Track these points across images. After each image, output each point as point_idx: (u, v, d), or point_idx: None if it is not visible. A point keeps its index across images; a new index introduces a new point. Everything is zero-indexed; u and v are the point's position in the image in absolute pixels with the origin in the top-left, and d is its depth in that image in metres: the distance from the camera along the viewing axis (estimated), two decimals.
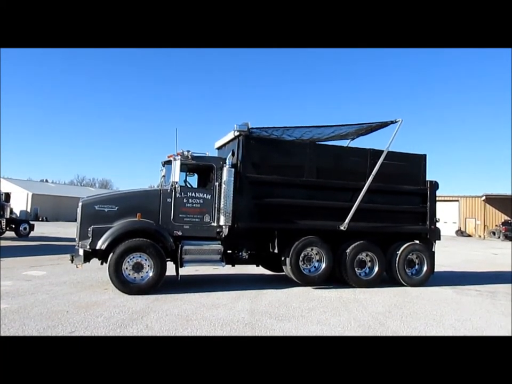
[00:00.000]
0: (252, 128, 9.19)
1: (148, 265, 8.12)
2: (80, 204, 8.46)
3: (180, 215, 8.63)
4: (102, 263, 8.60)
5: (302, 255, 9.33)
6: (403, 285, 9.93)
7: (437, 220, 10.71)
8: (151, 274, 8.09)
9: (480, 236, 44.06)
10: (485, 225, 44.31)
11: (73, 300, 7.43)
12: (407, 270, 10.08)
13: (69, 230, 23.99)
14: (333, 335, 5.46)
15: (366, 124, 10.47)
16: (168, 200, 8.57)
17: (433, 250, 10.49)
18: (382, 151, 10.41)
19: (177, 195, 8.61)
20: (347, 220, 9.51)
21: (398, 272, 9.93)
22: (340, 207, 9.65)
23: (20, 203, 45.60)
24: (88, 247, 8.01)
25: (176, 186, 8.56)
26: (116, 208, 8.38)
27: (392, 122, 10.24)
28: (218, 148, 10.88)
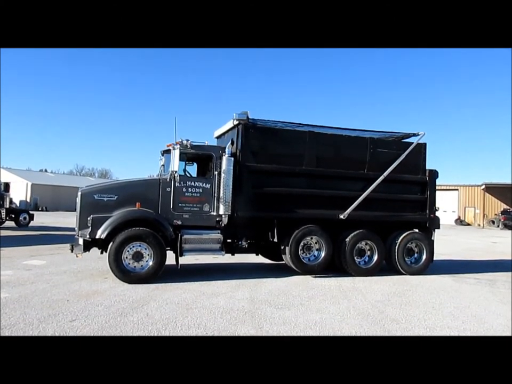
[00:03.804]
0: (269, 120, 9.18)
1: (148, 254, 8.13)
2: (79, 193, 8.45)
3: (179, 204, 8.62)
4: (101, 252, 8.61)
5: (302, 244, 9.34)
6: (402, 274, 9.97)
7: (437, 208, 10.72)
8: (151, 263, 8.11)
9: (479, 225, 44.18)
10: (484, 214, 44.39)
11: (74, 288, 7.45)
12: (406, 259, 10.11)
13: (69, 219, 23.98)
14: (332, 335, 5.44)
15: (388, 132, 10.61)
16: (168, 189, 8.55)
17: (432, 239, 10.51)
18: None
19: (177, 184, 8.59)
20: (349, 210, 9.51)
21: (397, 260, 9.96)
22: (340, 196, 9.64)
23: (19, 193, 45.54)
24: (87, 236, 8.01)
25: (176, 175, 8.53)
26: (115, 197, 8.37)
27: (414, 134, 10.54)
28: (218, 137, 10.83)
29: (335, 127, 10.01)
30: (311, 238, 9.47)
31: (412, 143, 10.46)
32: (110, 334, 5.05)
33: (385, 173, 9.82)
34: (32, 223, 23.24)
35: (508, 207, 41.38)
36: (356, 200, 9.59)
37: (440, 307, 7.03)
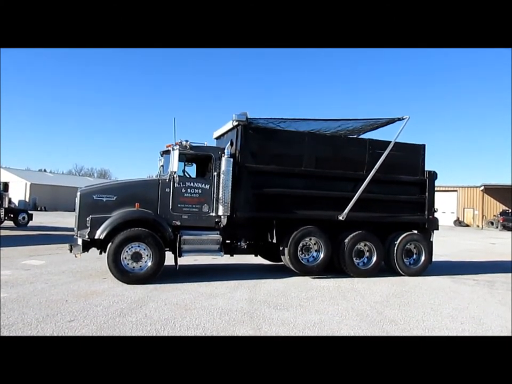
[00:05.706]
0: (250, 118, 9.14)
1: (147, 255, 8.13)
2: (78, 193, 8.44)
3: (179, 205, 8.61)
4: (100, 253, 8.60)
5: (301, 245, 9.34)
6: (401, 275, 9.98)
7: (435, 209, 10.73)
8: (149, 264, 8.11)
9: (478, 226, 44.22)
10: (483, 215, 44.44)
11: (72, 289, 7.44)
12: (405, 260, 10.12)
13: (68, 219, 23.95)
14: (331, 335, 5.45)
15: (372, 119, 10.44)
16: (167, 190, 8.54)
17: (431, 240, 10.52)
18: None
19: (176, 185, 8.58)
20: (346, 210, 9.50)
21: (396, 262, 9.96)
22: (339, 197, 9.64)
23: (18, 193, 45.49)
24: (86, 236, 8.00)
25: (175, 176, 8.54)
26: (115, 197, 8.36)
27: (399, 119, 10.25)
28: (217, 138, 10.84)
29: (319, 119, 9.89)
30: (310, 239, 9.47)
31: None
32: (109, 335, 5.04)
33: (376, 166, 9.70)
34: (31, 223, 23.21)
35: (507, 208, 41.43)
36: (350, 201, 9.56)
37: (439, 308, 7.03)
